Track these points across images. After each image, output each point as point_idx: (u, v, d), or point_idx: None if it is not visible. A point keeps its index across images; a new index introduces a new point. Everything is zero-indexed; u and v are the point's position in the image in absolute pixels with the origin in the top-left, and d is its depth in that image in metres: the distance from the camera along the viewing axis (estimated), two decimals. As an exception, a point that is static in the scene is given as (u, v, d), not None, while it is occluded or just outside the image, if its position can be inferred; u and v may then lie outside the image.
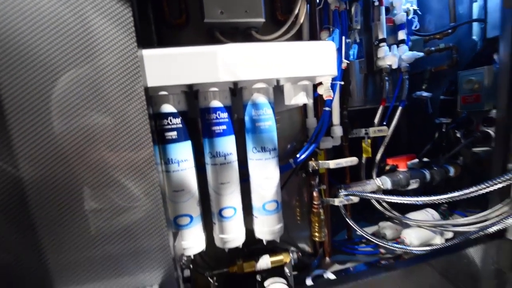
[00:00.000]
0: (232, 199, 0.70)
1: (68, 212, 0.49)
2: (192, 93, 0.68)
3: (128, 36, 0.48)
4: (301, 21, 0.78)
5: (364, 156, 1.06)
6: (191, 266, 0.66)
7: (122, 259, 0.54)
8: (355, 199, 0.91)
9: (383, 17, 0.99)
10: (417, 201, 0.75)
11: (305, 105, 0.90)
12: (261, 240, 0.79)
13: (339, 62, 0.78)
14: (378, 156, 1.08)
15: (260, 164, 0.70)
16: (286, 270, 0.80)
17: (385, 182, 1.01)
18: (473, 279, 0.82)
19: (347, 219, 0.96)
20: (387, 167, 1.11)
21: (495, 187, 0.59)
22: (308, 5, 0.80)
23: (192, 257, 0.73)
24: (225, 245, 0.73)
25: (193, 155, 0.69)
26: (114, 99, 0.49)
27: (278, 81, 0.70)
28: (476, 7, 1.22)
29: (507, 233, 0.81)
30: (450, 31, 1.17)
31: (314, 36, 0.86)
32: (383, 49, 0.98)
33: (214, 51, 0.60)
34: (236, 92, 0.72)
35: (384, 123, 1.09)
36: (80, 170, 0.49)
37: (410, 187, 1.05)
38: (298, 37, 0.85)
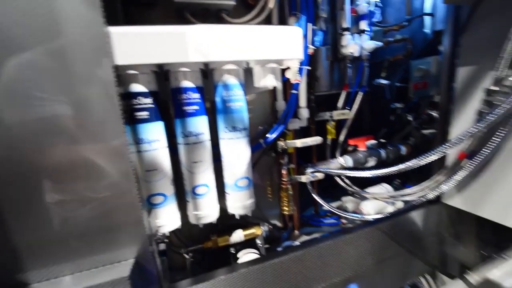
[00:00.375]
0: (205, 177, 0.74)
1: (36, 194, 0.49)
2: (162, 73, 0.68)
3: (94, 12, 0.47)
4: (271, 6, 0.81)
5: (329, 137, 1.16)
6: (166, 240, 0.69)
7: (97, 236, 0.55)
8: (320, 176, 1.00)
9: (347, 7, 1.06)
10: (372, 174, 0.85)
11: (274, 89, 0.95)
12: (234, 217, 0.84)
13: (305, 47, 0.83)
14: (342, 138, 1.18)
15: (231, 143, 0.73)
16: (258, 241, 0.87)
17: (347, 160, 1.12)
18: (416, 239, 0.97)
19: (313, 195, 1.05)
20: (349, 148, 1.22)
21: (430, 159, 0.70)
22: (277, -9, 0.83)
23: (168, 234, 0.76)
24: (200, 221, 0.77)
25: (166, 136, 0.71)
26: (82, 77, 0.48)
27: (248, 63, 0.73)
28: (429, 1, 1.35)
29: (443, 198, 0.96)
30: (405, 23, 1.28)
31: (283, 22, 0.90)
32: (347, 38, 1.06)
33: (184, 32, 0.60)
34: (208, 74, 0.74)
35: (348, 107, 1.19)
36: (51, 149, 0.48)
37: (368, 165, 1.18)
38: (268, 22, 0.88)
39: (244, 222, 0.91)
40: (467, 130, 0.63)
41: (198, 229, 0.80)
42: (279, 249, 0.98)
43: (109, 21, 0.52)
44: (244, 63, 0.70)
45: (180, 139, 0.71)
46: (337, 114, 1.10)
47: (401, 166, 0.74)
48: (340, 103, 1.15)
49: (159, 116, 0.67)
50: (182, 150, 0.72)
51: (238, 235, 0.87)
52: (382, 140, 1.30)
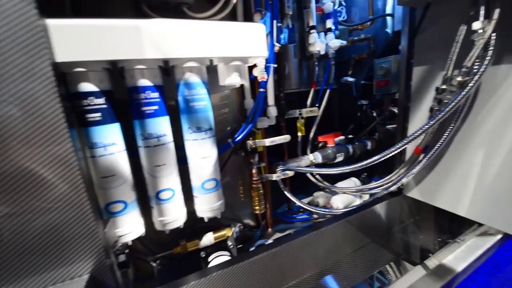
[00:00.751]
0: (169, 181, 0.70)
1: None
2: (117, 71, 0.63)
3: (24, 1, 0.41)
4: (234, 0, 0.79)
5: (299, 134, 1.17)
6: (127, 251, 0.65)
7: (45, 252, 0.50)
8: (291, 173, 1.01)
9: (313, 5, 1.07)
10: (338, 171, 0.88)
11: (242, 87, 0.93)
12: (203, 220, 0.82)
13: (271, 45, 0.82)
14: (311, 134, 1.21)
15: (196, 144, 0.70)
16: (229, 242, 0.86)
17: (317, 157, 1.14)
18: (382, 230, 1.02)
19: (285, 192, 1.06)
20: (320, 144, 1.25)
21: (390, 155, 0.74)
22: (241, -14, 0.80)
23: (130, 243, 0.71)
24: (165, 227, 0.73)
25: (124, 138, 0.66)
26: (13, 76, 0.42)
27: (211, 61, 0.70)
28: (390, 3, 1.42)
29: (404, 190, 1.03)
30: (368, 23, 1.33)
31: (249, 18, 0.88)
32: (313, 36, 1.07)
33: (138, 25, 0.56)
34: (170, 72, 0.69)
35: (317, 104, 1.21)
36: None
37: (337, 160, 1.21)
38: (233, 18, 0.86)
39: (215, 224, 0.89)
40: (420, 127, 0.67)
41: (166, 235, 0.76)
42: (252, 248, 0.98)
43: (52, 14, 0.46)
44: (207, 61, 0.67)
45: (140, 142, 0.66)
46: (306, 112, 1.11)
47: (364, 162, 0.77)
48: (309, 100, 1.16)
49: (114, 118, 0.62)
50: (142, 153, 0.67)
51: (208, 238, 0.84)
52: (350, 136, 1.35)
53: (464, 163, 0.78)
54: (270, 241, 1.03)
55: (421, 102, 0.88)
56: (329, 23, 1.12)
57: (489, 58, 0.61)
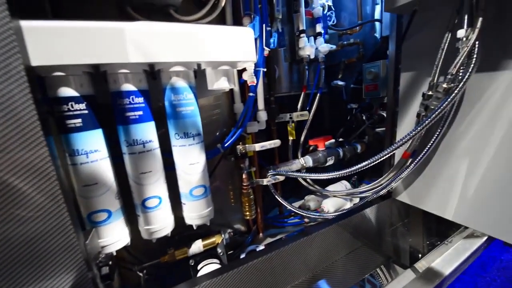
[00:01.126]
0: (156, 189, 0.67)
1: None
2: (99, 75, 0.61)
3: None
4: (222, 4, 0.77)
5: (290, 138, 1.17)
6: (110, 262, 0.62)
7: (22, 267, 0.47)
8: (281, 178, 1.00)
9: (303, 9, 1.07)
10: (329, 176, 0.88)
11: (232, 91, 0.92)
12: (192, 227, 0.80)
13: (261, 49, 0.81)
14: (302, 138, 1.20)
15: (183, 151, 0.68)
16: (219, 250, 0.84)
17: (308, 160, 1.14)
18: (372, 233, 1.03)
19: (276, 196, 1.05)
20: (310, 148, 1.25)
21: (380, 160, 0.74)
22: (230, -11, 0.79)
23: (115, 253, 0.68)
24: (152, 236, 0.70)
25: (108, 144, 0.63)
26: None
27: (199, 65, 0.68)
28: (378, 8, 1.44)
29: (393, 194, 1.04)
30: (357, 28, 1.35)
31: (238, 22, 0.87)
32: (303, 40, 1.07)
33: (121, 28, 0.54)
34: (155, 76, 0.67)
35: (307, 108, 1.21)
36: None
37: (328, 164, 1.22)
38: (222, 21, 0.85)
39: (204, 231, 0.87)
40: (408, 133, 0.67)
41: (153, 243, 0.74)
42: (243, 254, 0.96)
43: (30, 15, 0.44)
44: (194, 65, 0.66)
45: (124, 148, 0.64)
46: (296, 116, 1.11)
47: (354, 168, 0.77)
48: (299, 104, 1.16)
49: (97, 123, 0.60)
50: (127, 160, 0.65)
51: (197, 246, 0.82)
52: (340, 139, 1.36)
53: (450, 168, 0.79)
54: (261, 246, 1.01)
55: (408, 107, 0.89)
56: (319, 28, 1.13)
57: (473, 65, 0.62)
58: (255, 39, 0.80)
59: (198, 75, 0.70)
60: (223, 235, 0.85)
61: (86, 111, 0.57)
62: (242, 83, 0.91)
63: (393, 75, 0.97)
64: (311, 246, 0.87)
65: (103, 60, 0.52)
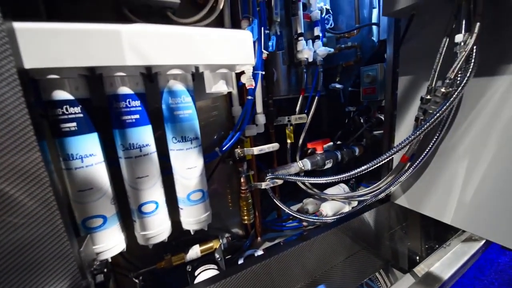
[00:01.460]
0: (152, 193, 0.66)
1: None
2: (95, 77, 0.59)
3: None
4: (221, 6, 0.77)
5: (289, 141, 1.16)
6: (105, 270, 0.60)
7: (13, 275, 0.45)
8: (280, 182, 0.99)
9: (301, 12, 1.07)
10: (327, 180, 0.87)
11: (230, 94, 0.91)
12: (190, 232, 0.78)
13: (259, 52, 0.81)
14: (300, 141, 1.20)
15: (181, 155, 0.67)
16: (217, 255, 0.83)
17: (306, 164, 1.14)
18: (371, 237, 1.02)
19: (274, 199, 1.04)
20: (309, 151, 1.25)
21: (378, 164, 0.74)
22: (228, -9, 0.79)
23: (110, 260, 0.67)
24: (149, 242, 0.69)
25: (104, 148, 0.62)
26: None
27: (197, 68, 0.68)
28: (375, 12, 1.45)
29: (391, 197, 1.03)
30: (355, 31, 1.35)
31: (237, 25, 0.86)
32: (301, 43, 1.07)
33: (118, 30, 0.53)
34: (153, 79, 0.66)
35: (306, 111, 1.21)
36: None
37: (326, 167, 1.21)
38: (220, 24, 0.84)
39: (201, 235, 0.86)
40: (406, 138, 0.67)
41: (150, 249, 0.72)
42: (241, 259, 0.95)
43: (25, 17, 0.43)
44: (192, 68, 0.65)
45: (120, 153, 0.63)
46: (295, 119, 1.11)
47: (352, 173, 0.77)
48: (297, 107, 1.16)
49: (92, 127, 0.58)
50: (123, 165, 0.63)
51: (194, 251, 0.81)
52: (338, 142, 1.36)
53: (448, 172, 0.79)
54: (259, 251, 1.00)
55: (407, 111, 0.89)
56: (317, 31, 1.13)
57: (471, 70, 0.62)
58: (254, 42, 0.79)
59: (196, 78, 0.70)
60: (221, 240, 0.84)
61: (81, 115, 0.56)
62: (241, 86, 0.91)
63: (391, 79, 0.97)
64: (309, 251, 0.86)
65: (99, 63, 0.51)
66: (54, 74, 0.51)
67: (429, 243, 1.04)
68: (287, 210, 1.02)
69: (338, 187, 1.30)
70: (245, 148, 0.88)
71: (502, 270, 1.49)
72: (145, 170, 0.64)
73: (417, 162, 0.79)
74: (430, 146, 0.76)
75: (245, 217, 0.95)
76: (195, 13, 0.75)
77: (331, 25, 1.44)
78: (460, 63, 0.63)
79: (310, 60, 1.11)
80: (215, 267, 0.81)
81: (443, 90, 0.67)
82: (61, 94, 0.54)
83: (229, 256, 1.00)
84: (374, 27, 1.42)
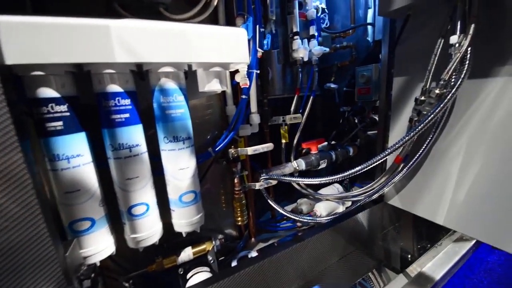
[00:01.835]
0: (143, 195, 0.64)
1: None
2: (83, 74, 0.57)
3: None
4: (215, 3, 0.75)
5: (283, 141, 1.15)
6: (93, 275, 0.58)
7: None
8: (274, 182, 0.98)
9: (297, 11, 1.06)
10: (321, 181, 0.87)
11: (224, 93, 0.89)
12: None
13: (254, 50, 0.79)
14: (295, 141, 1.19)
15: (173, 155, 0.65)
16: (209, 257, 0.81)
17: (300, 164, 1.13)
18: (364, 237, 1.03)
19: (268, 200, 1.03)
20: (303, 151, 1.24)
21: (372, 165, 0.73)
22: (223, -12, 0.77)
23: (99, 263, 0.64)
24: (139, 245, 0.67)
25: (92, 149, 0.59)
26: None
27: (190, 66, 0.66)
28: (370, 12, 1.45)
29: (385, 198, 1.04)
30: (350, 31, 1.35)
31: (232, 22, 0.85)
32: (297, 42, 1.06)
33: (106, 25, 0.51)
34: (144, 77, 0.64)
35: (300, 110, 1.20)
36: None
37: (320, 167, 1.21)
38: (214, 21, 0.82)
39: (194, 237, 0.84)
40: (400, 139, 0.67)
41: (140, 251, 0.70)
42: (234, 261, 0.94)
43: (10, 11, 0.40)
44: (185, 66, 0.63)
45: (109, 153, 0.60)
46: (289, 119, 1.10)
47: (347, 173, 0.77)
48: (292, 107, 1.15)
49: (79, 126, 0.56)
50: (112, 165, 0.61)
51: (186, 254, 0.79)
52: (333, 142, 1.35)
53: (441, 174, 0.79)
54: (253, 252, 0.99)
55: (401, 111, 0.89)
56: (312, 30, 1.12)
57: (465, 71, 0.62)
58: (248, 40, 0.78)
59: (189, 76, 0.68)
60: (214, 242, 0.83)
61: (67, 113, 0.53)
62: (235, 85, 0.89)
63: (386, 79, 0.97)
64: (303, 252, 0.86)
65: (87, 59, 0.49)
66: (39, 70, 0.49)
67: (421, 243, 1.05)
68: (281, 211, 1.02)
69: (332, 187, 1.30)
70: (239, 148, 0.86)
71: (491, 268, 1.52)
72: (135, 171, 0.62)
73: (411, 163, 0.79)
74: (423, 147, 0.76)
75: (239, 218, 0.93)
76: (188, 9, 0.73)
77: (326, 24, 1.43)
78: (455, 64, 0.63)
79: (306, 59, 1.10)
80: (208, 269, 0.80)
81: (437, 91, 0.67)
82: (46, 92, 0.51)
83: (222, 258, 0.98)
84: (369, 27, 1.42)
